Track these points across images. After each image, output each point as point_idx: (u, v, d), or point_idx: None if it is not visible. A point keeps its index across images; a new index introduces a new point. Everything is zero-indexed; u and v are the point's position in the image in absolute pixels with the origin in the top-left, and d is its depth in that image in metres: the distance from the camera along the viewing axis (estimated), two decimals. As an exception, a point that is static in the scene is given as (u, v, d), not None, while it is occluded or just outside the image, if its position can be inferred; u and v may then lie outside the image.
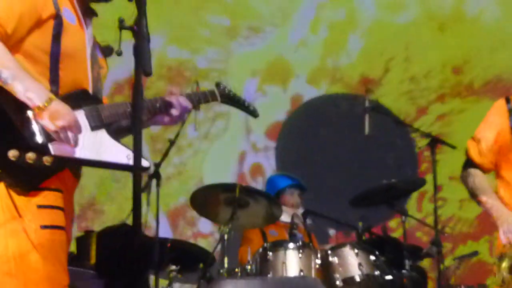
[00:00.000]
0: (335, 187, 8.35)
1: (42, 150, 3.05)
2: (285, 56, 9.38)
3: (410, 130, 6.77)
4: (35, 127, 3.06)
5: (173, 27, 9.18)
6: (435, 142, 6.31)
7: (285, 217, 6.34)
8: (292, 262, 5.57)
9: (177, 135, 6.55)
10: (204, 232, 8.60)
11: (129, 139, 3.00)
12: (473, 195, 4.33)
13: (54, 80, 3.17)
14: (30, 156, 3.00)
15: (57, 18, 3.19)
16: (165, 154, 6.24)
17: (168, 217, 8.52)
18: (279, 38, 9.46)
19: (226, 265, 5.77)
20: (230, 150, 9.27)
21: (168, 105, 3.50)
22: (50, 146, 3.07)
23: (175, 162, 8.83)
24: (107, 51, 3.58)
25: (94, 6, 3.58)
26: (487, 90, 9.44)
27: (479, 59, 9.81)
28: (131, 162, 3.04)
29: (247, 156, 9.21)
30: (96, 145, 3.23)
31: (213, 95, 3.73)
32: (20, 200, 3.03)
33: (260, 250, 5.73)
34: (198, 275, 5.90)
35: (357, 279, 5.61)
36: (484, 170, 4.35)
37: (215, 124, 9.12)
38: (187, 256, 6.11)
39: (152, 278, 5.90)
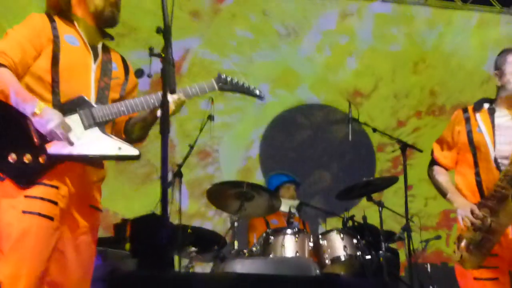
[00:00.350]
0: (323, 184, 8.26)
1: (38, 150, 3.05)
2: (293, 68, 9.41)
3: (388, 137, 6.71)
4: (32, 131, 3.06)
5: (209, 34, 9.17)
6: (405, 147, 6.34)
7: (284, 208, 6.33)
8: (289, 245, 5.62)
9: (195, 142, 6.61)
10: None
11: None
12: (439, 191, 4.35)
13: (55, 91, 3.18)
14: (28, 157, 3.01)
15: (55, 42, 3.22)
16: (186, 157, 6.28)
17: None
18: (290, 53, 9.47)
19: (236, 247, 5.80)
20: (242, 138, 9.21)
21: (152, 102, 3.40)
22: (46, 146, 3.07)
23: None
24: (138, 73, 3.55)
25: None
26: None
27: (451, 85, 10.07)
28: (121, 152, 3.19)
29: (254, 144, 9.16)
30: (89, 141, 3.19)
31: (209, 85, 3.55)
32: (11, 189, 3.04)
33: (264, 235, 5.78)
34: (213, 255, 5.98)
35: (342, 258, 5.66)
36: (446, 168, 4.37)
37: (232, 115, 9.13)
38: (204, 240, 6.12)
39: (175, 257, 5.86)
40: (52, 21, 3.28)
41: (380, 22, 10.02)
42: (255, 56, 9.45)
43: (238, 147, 9.17)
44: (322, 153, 9.21)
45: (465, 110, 4.37)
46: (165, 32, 3.06)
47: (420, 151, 6.97)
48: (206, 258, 6.21)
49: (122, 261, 5.47)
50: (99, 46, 3.44)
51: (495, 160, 4.11)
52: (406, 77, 9.95)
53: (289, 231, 5.75)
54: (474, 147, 4.20)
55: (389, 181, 6.58)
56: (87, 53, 3.35)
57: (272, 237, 5.70)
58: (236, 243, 5.86)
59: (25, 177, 3.04)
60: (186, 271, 6.05)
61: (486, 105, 4.31)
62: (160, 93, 3.17)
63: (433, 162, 4.44)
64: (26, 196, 3.02)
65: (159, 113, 3.29)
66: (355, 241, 5.78)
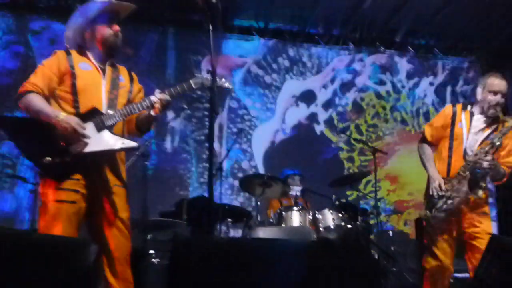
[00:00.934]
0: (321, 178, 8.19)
1: (65, 153, 3.08)
2: (313, 90, 8.98)
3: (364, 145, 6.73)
4: (58, 139, 3.08)
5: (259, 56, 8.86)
6: (375, 151, 6.41)
7: (292, 192, 6.43)
8: (295, 218, 5.72)
9: (231, 146, 6.72)
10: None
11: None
12: (422, 160, 4.34)
13: (75, 105, 3.19)
14: (57, 159, 3.06)
15: (71, 70, 3.23)
16: (224, 158, 6.39)
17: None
18: (312, 81, 9.03)
19: (258, 219, 6.01)
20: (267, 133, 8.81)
21: (154, 103, 3.31)
22: (70, 148, 3.09)
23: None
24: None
25: None
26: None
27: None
28: (124, 146, 3.21)
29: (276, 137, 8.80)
30: (101, 140, 3.16)
31: (188, 86, 3.37)
32: (50, 184, 3.11)
33: (278, 211, 5.86)
34: (243, 225, 6.14)
35: (332, 227, 5.77)
36: (431, 145, 4.35)
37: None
38: (236, 214, 6.17)
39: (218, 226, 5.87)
40: (68, 54, 3.30)
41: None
42: (287, 78, 9.13)
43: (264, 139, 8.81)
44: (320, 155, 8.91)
45: (454, 105, 4.37)
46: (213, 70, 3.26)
47: (385, 153, 7.13)
48: (238, 227, 6.25)
49: (180, 228, 5.49)
50: (107, 66, 3.39)
51: (465, 150, 4.12)
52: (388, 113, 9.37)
53: (295, 208, 5.83)
54: (453, 136, 4.19)
55: (364, 174, 6.70)
56: (97, 74, 3.32)
57: (283, 213, 5.77)
58: (259, 216, 6.06)
59: (57, 174, 3.10)
60: (225, 235, 6.12)
61: (469, 107, 4.27)
62: (151, 97, 3.29)
63: (423, 140, 4.41)
64: (56, 188, 3.07)
65: (153, 112, 3.33)
66: (340, 215, 5.85)
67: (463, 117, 4.25)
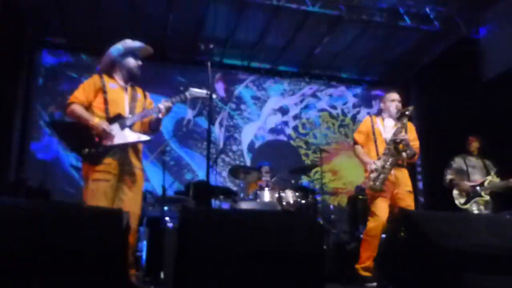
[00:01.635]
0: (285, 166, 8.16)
1: (98, 145, 3.15)
2: (287, 105, 9.15)
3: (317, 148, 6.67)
4: (94, 136, 3.16)
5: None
6: (322, 151, 6.39)
7: (264, 178, 6.40)
8: (267, 195, 5.63)
9: (222, 147, 6.69)
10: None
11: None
12: (359, 156, 4.28)
13: (106, 112, 3.27)
14: (93, 150, 3.14)
15: (103, 88, 3.32)
16: (220, 153, 6.35)
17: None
18: (288, 100, 9.20)
19: (241, 196, 6.01)
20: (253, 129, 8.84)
21: (160, 109, 3.39)
22: (103, 142, 3.17)
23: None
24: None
25: None
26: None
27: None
28: (140, 139, 3.30)
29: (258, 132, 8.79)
30: (123, 135, 3.22)
31: (184, 96, 3.42)
32: (89, 168, 3.16)
33: (255, 190, 5.79)
34: (231, 200, 5.98)
35: (291, 202, 5.63)
36: (362, 146, 4.30)
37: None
38: (226, 192, 6.06)
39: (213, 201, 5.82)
40: (101, 77, 3.38)
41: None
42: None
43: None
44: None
45: (370, 116, 4.42)
46: (210, 95, 3.27)
47: (329, 153, 7.15)
48: (228, 200, 6.11)
49: (188, 202, 5.43)
50: (128, 86, 3.47)
51: (385, 140, 4.11)
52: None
53: (267, 188, 5.74)
54: (375, 134, 4.21)
55: (314, 166, 6.70)
56: (122, 91, 3.41)
57: (258, 192, 5.69)
58: (241, 194, 6.05)
59: (94, 160, 3.14)
60: (218, 207, 6.07)
61: (380, 116, 4.36)
62: (158, 105, 3.39)
63: (355, 143, 4.37)
64: (94, 171, 3.12)
65: (160, 115, 3.43)
66: (297, 194, 5.75)
67: (378, 121, 4.29)
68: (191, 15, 7.20)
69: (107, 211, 2.58)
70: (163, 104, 3.40)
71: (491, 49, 7.00)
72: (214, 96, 3.55)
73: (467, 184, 5.33)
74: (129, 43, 3.47)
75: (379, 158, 4.02)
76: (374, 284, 3.77)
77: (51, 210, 2.11)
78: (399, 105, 4.28)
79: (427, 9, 7.01)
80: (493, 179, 5.27)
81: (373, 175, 3.97)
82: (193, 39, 7.55)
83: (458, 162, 5.56)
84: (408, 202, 4.00)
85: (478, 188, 5.25)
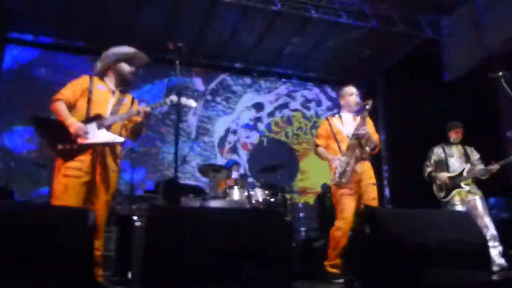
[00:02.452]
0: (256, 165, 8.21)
1: (73, 142, 3.11)
2: (263, 103, 9.29)
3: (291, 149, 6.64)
4: (70, 133, 3.11)
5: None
6: (291, 150, 6.35)
7: (234, 176, 6.41)
8: (236, 194, 5.61)
9: (191, 148, 6.64)
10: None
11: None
12: (322, 156, 4.31)
13: (87, 112, 3.23)
14: (67, 146, 3.10)
15: (89, 89, 3.29)
16: (188, 153, 6.33)
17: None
18: (263, 97, 9.31)
19: (211, 194, 5.93)
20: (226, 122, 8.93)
21: (138, 111, 3.36)
22: (78, 140, 3.12)
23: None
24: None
25: None
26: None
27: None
28: (115, 140, 3.25)
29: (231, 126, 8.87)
30: (98, 135, 3.19)
31: (162, 103, 3.43)
32: (61, 164, 3.10)
33: (224, 189, 5.75)
34: (200, 198, 5.79)
35: (260, 200, 5.63)
36: (323, 147, 4.32)
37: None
38: (196, 190, 6.10)
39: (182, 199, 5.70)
40: (91, 78, 3.37)
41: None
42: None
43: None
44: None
45: (327, 119, 4.45)
46: (179, 93, 3.25)
47: (297, 151, 7.19)
48: (197, 199, 6.08)
49: (159, 200, 5.43)
50: (117, 90, 3.45)
51: (347, 136, 4.15)
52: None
53: (236, 186, 5.71)
54: (334, 134, 4.24)
55: (284, 165, 6.71)
56: (109, 93, 3.39)
57: (228, 190, 5.66)
58: (211, 192, 6.01)
59: (67, 156, 3.10)
60: (188, 205, 6.07)
61: (337, 115, 4.40)
62: (137, 108, 3.37)
63: (317, 146, 4.39)
64: (66, 167, 3.08)
65: (139, 119, 3.41)
66: (266, 192, 5.76)
67: (335, 120, 4.34)
68: (160, 13, 7.12)
69: (74, 210, 2.54)
70: (143, 108, 3.38)
71: (452, 51, 7.23)
72: (191, 103, 3.54)
73: (444, 175, 5.04)
74: (126, 49, 3.47)
75: (343, 154, 4.06)
76: (341, 280, 3.79)
77: (16, 210, 2.08)
78: (357, 98, 4.34)
79: (392, 12, 7.16)
80: (473, 166, 4.98)
81: (338, 171, 3.99)
82: (162, 37, 7.46)
83: (436, 152, 5.24)
84: (372, 194, 4.04)
85: (456, 179, 4.96)
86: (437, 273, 2.19)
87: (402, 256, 2.25)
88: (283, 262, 2.27)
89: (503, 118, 5.08)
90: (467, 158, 5.09)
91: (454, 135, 5.23)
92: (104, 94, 3.38)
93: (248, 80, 9.22)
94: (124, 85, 3.50)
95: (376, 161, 8.60)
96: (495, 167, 4.71)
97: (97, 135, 3.21)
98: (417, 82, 7.80)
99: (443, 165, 5.13)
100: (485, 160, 5.02)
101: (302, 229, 6.15)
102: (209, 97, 8.88)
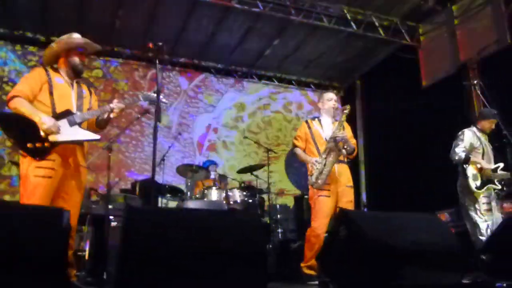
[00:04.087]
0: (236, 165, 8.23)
1: (44, 140, 3.00)
2: (245, 102, 9.30)
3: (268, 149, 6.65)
4: (39, 130, 3.00)
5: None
6: (268, 150, 6.36)
7: (212, 176, 6.30)
8: (214, 194, 5.63)
9: (169, 147, 6.57)
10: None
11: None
12: (300, 157, 4.32)
13: (52, 107, 3.12)
14: (38, 144, 2.99)
15: (49, 82, 3.16)
16: (166, 152, 6.25)
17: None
18: (246, 97, 9.29)
19: (188, 195, 5.87)
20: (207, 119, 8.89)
21: (112, 108, 3.34)
22: (48, 137, 3.02)
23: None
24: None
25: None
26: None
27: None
28: (89, 137, 3.21)
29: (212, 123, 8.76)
30: (72, 133, 3.12)
31: (137, 99, 3.41)
32: (31, 163, 2.99)
33: (202, 189, 5.75)
34: (178, 198, 5.95)
35: (238, 201, 5.70)
36: (301, 148, 4.34)
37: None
38: (174, 190, 6.01)
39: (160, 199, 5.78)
40: (46, 70, 3.24)
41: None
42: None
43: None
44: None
45: (306, 122, 4.44)
46: (158, 92, 3.22)
47: (276, 153, 7.21)
48: (175, 199, 6.08)
49: (135, 201, 5.33)
50: (74, 82, 3.34)
51: (325, 139, 4.18)
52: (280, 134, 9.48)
53: (214, 188, 5.74)
54: (314, 137, 4.26)
55: (261, 166, 6.70)
56: (68, 86, 3.28)
57: (206, 190, 5.66)
58: (188, 193, 5.98)
59: (37, 155, 2.99)
60: (165, 205, 6.06)
61: (316, 119, 4.40)
62: (110, 104, 3.34)
63: (295, 147, 4.39)
64: (37, 167, 2.97)
65: (112, 115, 3.37)
66: (244, 193, 5.81)
67: (314, 124, 4.36)
68: (140, 12, 7.07)
69: (47, 209, 2.49)
70: (116, 104, 3.34)
71: (429, 58, 7.39)
72: (164, 100, 3.50)
73: (488, 166, 4.50)
74: (75, 38, 3.33)
75: (320, 156, 4.11)
76: (316, 282, 3.82)
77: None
78: (336, 104, 4.42)
79: (373, 18, 7.27)
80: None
81: (316, 173, 4.03)
82: (142, 36, 7.43)
83: (470, 136, 4.66)
84: (349, 197, 4.08)
85: (492, 173, 4.44)
86: (411, 274, 2.23)
87: (376, 258, 2.29)
88: (259, 263, 2.28)
89: (475, 125, 5.07)
90: (494, 156, 4.64)
91: (488, 125, 4.69)
92: (64, 87, 3.27)
93: (231, 79, 9.23)
94: (77, 76, 3.38)
95: (353, 164, 8.88)
96: None
97: (71, 132, 3.13)
98: (394, 87, 7.94)
99: (478, 153, 4.59)
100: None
101: (280, 230, 6.17)
102: (191, 93, 8.86)
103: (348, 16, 7.18)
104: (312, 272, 3.98)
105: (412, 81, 7.47)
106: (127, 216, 2.26)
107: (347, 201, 4.05)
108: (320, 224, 3.98)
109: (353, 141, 4.31)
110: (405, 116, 7.53)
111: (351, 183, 4.19)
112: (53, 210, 2.45)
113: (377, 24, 7.34)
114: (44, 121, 3.02)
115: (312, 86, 9.78)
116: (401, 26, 7.49)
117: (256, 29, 7.61)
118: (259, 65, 8.98)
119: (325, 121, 4.38)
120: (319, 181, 4.00)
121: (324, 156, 4.07)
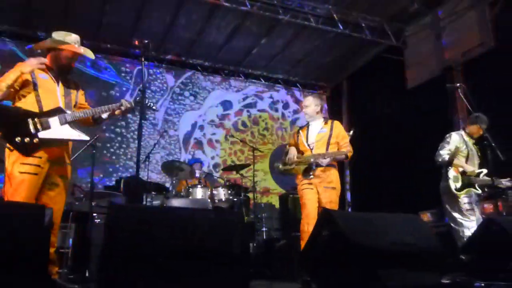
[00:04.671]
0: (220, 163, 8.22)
1: (33, 136, 2.96)
2: (231, 101, 9.33)
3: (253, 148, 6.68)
4: (29, 124, 2.97)
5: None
6: (254, 149, 6.35)
7: (197, 175, 6.36)
8: (199, 192, 5.63)
9: (154, 146, 6.55)
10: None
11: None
12: (287, 150, 4.41)
13: (39, 105, 3.06)
14: (27, 140, 2.95)
15: (32, 77, 3.08)
16: (151, 150, 6.22)
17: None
18: (232, 95, 9.27)
19: (173, 193, 5.91)
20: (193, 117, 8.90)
21: (117, 107, 3.31)
22: (38, 134, 2.99)
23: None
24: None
25: None
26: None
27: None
28: (79, 138, 3.14)
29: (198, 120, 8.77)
30: (62, 132, 3.08)
31: (131, 104, 3.32)
32: (17, 159, 2.96)
33: (187, 187, 5.74)
34: (162, 196, 5.83)
35: (223, 199, 5.70)
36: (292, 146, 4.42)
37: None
38: (158, 188, 6.01)
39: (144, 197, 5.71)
40: None
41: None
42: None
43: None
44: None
45: (298, 131, 4.48)
46: (144, 89, 3.21)
47: (261, 151, 7.24)
48: (159, 199, 6.00)
49: (120, 198, 5.33)
50: (60, 78, 3.26)
51: (308, 145, 4.23)
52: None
53: (199, 186, 5.72)
54: (298, 143, 4.34)
55: (246, 166, 6.69)
56: (53, 83, 3.20)
57: (191, 189, 5.66)
58: (173, 191, 5.98)
59: (25, 151, 2.95)
60: (149, 203, 6.04)
61: (307, 124, 4.43)
62: (117, 103, 3.30)
63: (289, 145, 4.46)
64: (22, 163, 2.94)
65: (117, 112, 3.32)
66: (229, 191, 5.81)
67: (301, 132, 4.42)
68: (128, 8, 7.03)
69: (29, 207, 2.47)
70: (125, 102, 3.31)
71: (414, 59, 7.48)
72: (154, 107, 3.47)
73: (472, 168, 4.57)
74: (63, 36, 3.26)
75: (298, 156, 4.26)
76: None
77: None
78: (316, 108, 4.39)
79: (359, 19, 7.32)
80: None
81: (287, 161, 4.28)
82: (129, 32, 7.38)
83: (457, 139, 4.71)
84: (328, 198, 4.10)
85: (472, 178, 4.53)
86: (390, 274, 2.26)
87: (358, 258, 2.32)
88: (242, 262, 2.30)
89: (458, 126, 5.14)
90: (480, 162, 4.67)
91: (477, 130, 4.69)
92: (49, 84, 3.21)
93: (218, 77, 9.23)
94: (63, 73, 3.31)
95: (338, 164, 8.94)
96: (507, 183, 4.41)
97: (61, 131, 3.09)
98: (381, 88, 8.02)
99: (462, 156, 4.65)
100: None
101: (264, 229, 6.20)
102: (177, 90, 8.84)
103: (335, 17, 7.22)
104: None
105: (398, 82, 7.54)
106: (111, 214, 2.25)
107: (326, 202, 4.07)
108: (306, 215, 4.03)
109: (345, 143, 4.32)
110: (391, 117, 7.62)
111: (334, 185, 4.19)
112: (34, 207, 2.43)
113: (363, 25, 7.40)
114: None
115: (299, 86, 9.83)
116: (387, 28, 7.55)
117: (244, 28, 7.61)
118: (246, 64, 8.99)
119: (314, 125, 4.41)
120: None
121: (300, 157, 4.21)
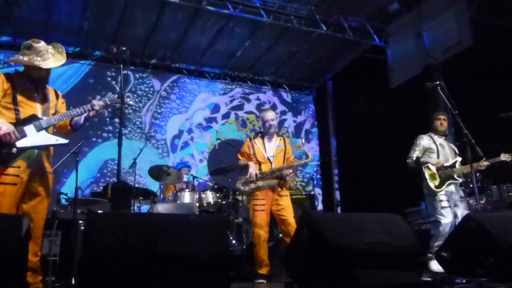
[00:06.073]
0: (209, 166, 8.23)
1: (11, 146, 2.94)
2: (218, 103, 9.30)
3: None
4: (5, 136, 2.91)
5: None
6: None
7: (185, 179, 6.37)
8: (187, 196, 5.64)
9: (141, 150, 6.49)
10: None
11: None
12: (242, 165, 4.58)
13: (16, 113, 3.06)
14: (4, 151, 2.93)
15: (12, 88, 3.07)
16: (138, 155, 6.18)
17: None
18: (219, 98, 9.11)
19: (161, 197, 5.91)
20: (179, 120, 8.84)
21: (89, 108, 3.26)
22: (16, 143, 2.96)
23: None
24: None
25: None
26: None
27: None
28: (57, 142, 3.12)
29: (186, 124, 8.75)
30: (39, 138, 3.07)
31: (105, 101, 3.32)
32: None
33: (175, 191, 5.77)
34: (150, 201, 5.83)
35: (212, 203, 5.73)
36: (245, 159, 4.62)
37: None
38: (146, 193, 5.89)
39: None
40: (9, 77, 3.14)
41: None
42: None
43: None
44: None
45: (251, 139, 4.66)
46: (122, 96, 3.21)
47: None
48: (146, 202, 5.98)
49: (106, 204, 5.22)
50: (38, 86, 3.23)
51: (268, 158, 4.49)
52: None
53: (187, 190, 5.75)
54: (255, 153, 4.52)
55: (234, 167, 6.71)
56: (32, 91, 3.19)
57: (179, 193, 5.67)
58: (161, 196, 5.96)
59: (2, 162, 2.93)
60: (138, 210, 5.97)
61: (259, 135, 4.65)
62: (88, 104, 3.25)
63: (239, 159, 4.66)
64: (2, 174, 2.92)
65: (91, 113, 3.28)
66: (217, 194, 5.84)
67: (257, 142, 4.61)
68: (109, 14, 7.00)
69: (5, 217, 2.45)
70: (97, 102, 3.26)
71: (396, 58, 7.53)
72: (131, 102, 3.48)
73: (439, 160, 4.70)
74: (30, 45, 3.20)
75: (260, 173, 4.45)
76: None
77: None
78: (275, 123, 4.61)
79: (341, 19, 7.36)
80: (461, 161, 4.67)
81: (247, 178, 4.44)
82: (112, 38, 7.37)
83: (425, 140, 4.86)
84: (285, 204, 4.43)
85: (449, 170, 4.63)
86: (368, 274, 2.28)
87: (336, 258, 2.33)
88: (222, 266, 2.31)
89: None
90: (455, 153, 4.85)
91: (438, 123, 4.90)
92: (28, 92, 3.18)
93: (204, 80, 9.22)
94: (41, 84, 3.27)
95: (326, 165, 9.03)
96: (487, 163, 4.45)
97: (38, 137, 3.08)
98: (366, 87, 8.07)
99: (432, 153, 4.79)
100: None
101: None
102: (163, 93, 8.80)
103: (317, 18, 7.25)
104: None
105: (382, 81, 7.60)
106: (89, 222, 2.28)
107: (283, 207, 4.41)
108: (257, 232, 4.45)
109: (290, 158, 4.65)
110: (376, 116, 7.67)
111: (286, 193, 4.51)
112: (11, 217, 2.42)
113: (345, 25, 7.44)
114: (2, 124, 2.94)
115: (286, 87, 9.85)
116: (369, 27, 7.60)
117: (227, 30, 7.62)
118: (232, 66, 8.99)
119: (267, 138, 4.63)
120: (245, 188, 4.42)
121: (262, 174, 4.41)
